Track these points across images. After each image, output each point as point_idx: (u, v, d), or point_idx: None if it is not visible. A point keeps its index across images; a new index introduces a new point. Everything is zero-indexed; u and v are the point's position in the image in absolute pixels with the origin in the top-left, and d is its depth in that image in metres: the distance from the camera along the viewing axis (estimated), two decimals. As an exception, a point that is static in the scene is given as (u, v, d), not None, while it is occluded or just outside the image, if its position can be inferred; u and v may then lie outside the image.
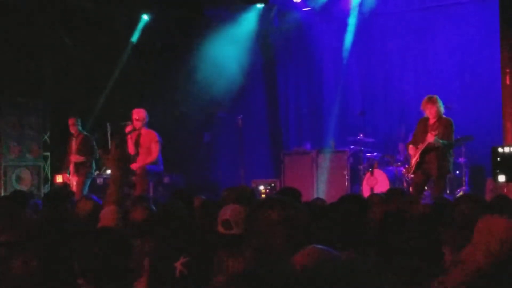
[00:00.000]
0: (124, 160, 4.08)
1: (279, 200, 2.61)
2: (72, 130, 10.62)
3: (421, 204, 5.72)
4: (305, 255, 2.03)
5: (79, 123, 10.69)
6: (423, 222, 3.41)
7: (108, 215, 4.50)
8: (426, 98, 8.55)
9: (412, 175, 8.76)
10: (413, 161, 8.54)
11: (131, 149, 9.64)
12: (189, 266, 2.98)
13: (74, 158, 10.41)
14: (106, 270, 2.59)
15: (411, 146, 8.69)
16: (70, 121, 10.63)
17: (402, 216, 3.65)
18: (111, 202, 3.85)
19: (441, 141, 8.24)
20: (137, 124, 9.64)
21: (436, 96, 8.51)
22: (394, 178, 10.63)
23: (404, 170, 9.83)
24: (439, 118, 8.45)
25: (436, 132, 8.22)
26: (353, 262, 1.64)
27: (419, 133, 8.63)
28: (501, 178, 8.42)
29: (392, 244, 2.88)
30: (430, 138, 8.22)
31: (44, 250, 2.81)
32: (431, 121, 8.48)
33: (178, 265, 2.99)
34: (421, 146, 8.41)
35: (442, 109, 8.46)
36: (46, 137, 12.59)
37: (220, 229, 3.51)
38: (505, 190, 8.67)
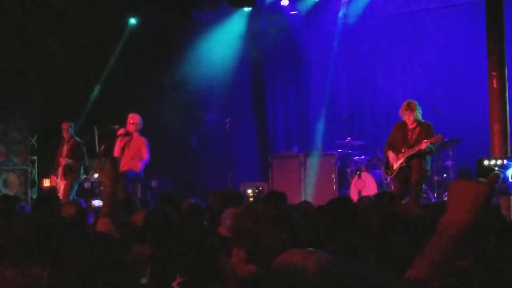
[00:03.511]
0: (117, 174, 4.04)
1: (268, 201, 2.61)
2: (65, 134, 10.60)
3: (418, 208, 5.71)
4: (306, 258, 2.01)
5: (72, 128, 10.70)
6: (423, 225, 3.37)
7: (102, 226, 4.50)
8: (405, 104, 8.63)
9: (391, 177, 8.80)
10: (397, 164, 8.57)
11: (116, 151, 9.62)
12: (186, 285, 2.93)
13: (64, 161, 10.39)
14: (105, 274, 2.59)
15: (390, 152, 8.73)
16: (64, 126, 10.63)
17: (402, 219, 3.60)
18: (105, 214, 3.83)
19: (429, 144, 8.29)
20: (131, 128, 9.68)
21: (415, 102, 8.59)
22: (381, 181, 10.61)
23: (384, 171, 9.77)
24: (418, 123, 8.53)
25: (431, 140, 8.25)
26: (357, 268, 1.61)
27: (398, 137, 8.68)
28: None
29: (394, 250, 2.85)
30: (424, 145, 8.26)
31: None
32: (410, 126, 8.54)
33: (174, 285, 2.94)
34: (407, 152, 8.44)
35: (420, 114, 8.52)
36: (33, 140, 12.51)
37: (225, 232, 3.45)
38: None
